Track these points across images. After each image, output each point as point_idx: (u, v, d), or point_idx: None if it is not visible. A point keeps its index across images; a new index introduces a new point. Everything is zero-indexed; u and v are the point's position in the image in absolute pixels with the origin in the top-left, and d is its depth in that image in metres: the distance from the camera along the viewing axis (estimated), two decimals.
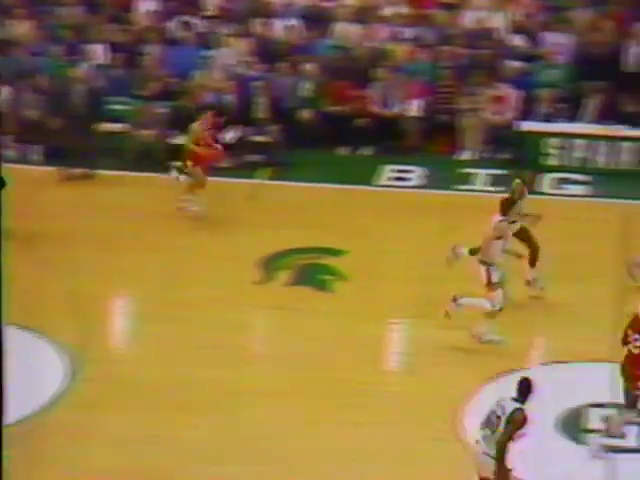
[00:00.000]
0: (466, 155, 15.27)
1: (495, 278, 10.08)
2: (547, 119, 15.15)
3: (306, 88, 15.62)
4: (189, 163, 13.13)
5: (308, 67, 15.78)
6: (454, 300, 10.35)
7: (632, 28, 15.55)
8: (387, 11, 16.56)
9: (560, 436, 9.14)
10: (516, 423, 7.47)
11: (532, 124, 15.02)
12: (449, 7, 16.60)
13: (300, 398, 9.69)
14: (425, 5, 16.70)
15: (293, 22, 16.50)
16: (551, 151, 14.81)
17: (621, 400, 9.35)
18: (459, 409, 9.45)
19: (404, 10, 16.55)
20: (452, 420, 9.30)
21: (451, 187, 14.36)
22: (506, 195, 10.77)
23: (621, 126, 14.60)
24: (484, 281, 10.15)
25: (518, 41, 15.99)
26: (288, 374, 10.09)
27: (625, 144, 14.54)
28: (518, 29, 16.11)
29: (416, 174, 14.76)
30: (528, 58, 15.77)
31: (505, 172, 14.59)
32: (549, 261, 11.84)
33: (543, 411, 9.32)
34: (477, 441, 7.74)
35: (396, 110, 15.48)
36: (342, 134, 15.30)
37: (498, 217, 10.24)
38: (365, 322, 10.95)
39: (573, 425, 9.24)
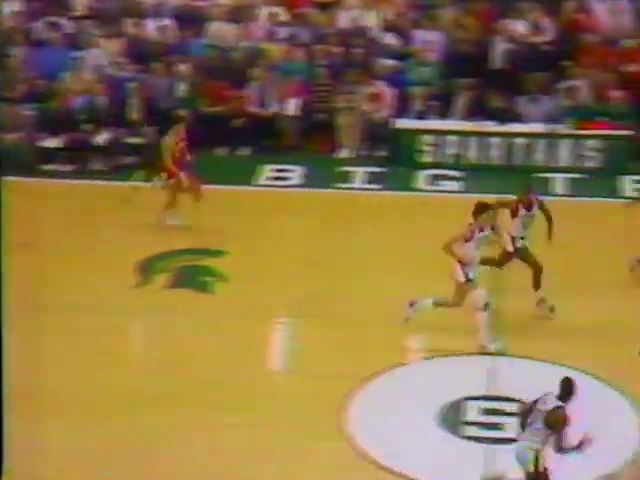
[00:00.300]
0: (344, 153, 15.39)
1: (471, 276, 10.19)
2: (420, 116, 15.42)
3: (181, 89, 15.48)
4: (164, 175, 12.90)
5: (183, 67, 15.64)
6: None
7: (497, 24, 15.94)
8: (262, 11, 16.56)
9: (440, 429, 9.28)
10: (559, 421, 7.60)
11: (406, 121, 15.25)
12: (323, 6, 16.71)
13: (185, 401, 9.59)
14: (299, 4, 16.77)
15: (166, 22, 16.33)
16: (425, 148, 15.07)
17: (498, 392, 9.64)
18: (344, 407, 9.51)
19: (279, 10, 16.58)
20: (337, 418, 9.35)
21: (330, 185, 14.46)
22: (481, 199, 10.60)
23: (490, 122, 14.96)
24: (461, 280, 10.19)
25: (390, 39, 16.21)
26: (171, 377, 9.97)
27: (494, 139, 14.91)
28: (390, 27, 16.34)
29: (295, 173, 14.79)
30: (400, 56, 16.00)
31: (382, 169, 14.81)
32: (427, 257, 12.07)
33: (423, 404, 9.52)
34: (518, 435, 7.82)
35: (273, 109, 15.48)
36: (219, 134, 15.22)
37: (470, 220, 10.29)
38: (248, 322, 10.92)
39: (453, 418, 9.38)
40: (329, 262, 12.16)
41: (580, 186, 14.30)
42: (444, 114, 15.40)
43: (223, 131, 15.23)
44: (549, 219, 11.01)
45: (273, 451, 8.95)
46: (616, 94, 14.93)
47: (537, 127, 14.89)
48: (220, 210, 13.27)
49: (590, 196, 13.86)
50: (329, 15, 16.57)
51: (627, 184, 14.24)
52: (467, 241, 10.16)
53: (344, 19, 16.45)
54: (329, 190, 14.34)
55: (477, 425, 9.29)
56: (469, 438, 9.15)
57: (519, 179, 14.28)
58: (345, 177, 14.73)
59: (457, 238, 10.22)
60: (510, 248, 10.83)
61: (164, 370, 10.15)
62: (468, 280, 10.16)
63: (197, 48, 16.04)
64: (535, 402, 7.76)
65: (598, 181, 14.25)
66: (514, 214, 10.94)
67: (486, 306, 10.19)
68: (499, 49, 15.68)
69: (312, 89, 15.67)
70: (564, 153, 14.76)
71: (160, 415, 9.35)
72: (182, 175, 12.90)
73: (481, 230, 10.23)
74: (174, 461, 8.83)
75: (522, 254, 10.96)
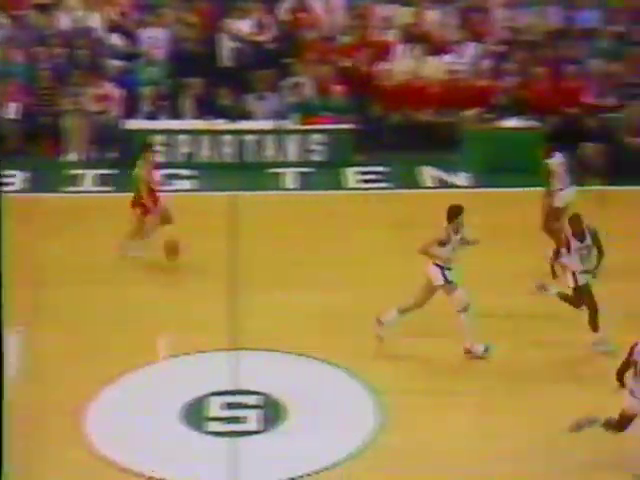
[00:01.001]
0: (72, 156, 15.02)
1: (450, 278, 10.06)
2: (151, 116, 15.31)
3: None
4: (137, 211, 11.86)
5: None
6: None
7: (221, 23, 16.07)
8: None
9: (183, 426, 9.23)
10: None
11: (137, 122, 15.09)
12: (42, 8, 16.21)
13: None
14: (17, 6, 16.17)
15: None
16: (157, 148, 14.94)
17: (241, 386, 9.72)
18: (84, 411, 9.27)
19: None
20: (78, 423, 9.11)
21: (57, 190, 14.05)
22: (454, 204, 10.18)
23: (220, 120, 15.09)
24: (440, 282, 10.06)
25: (116, 40, 15.97)
26: None
27: (225, 137, 15.02)
28: (115, 28, 16.10)
29: (18, 178, 14.26)
30: (128, 56, 15.82)
31: (114, 171, 14.54)
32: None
33: (167, 403, 9.45)
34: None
35: None
36: None
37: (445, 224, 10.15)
38: None
39: (196, 414, 9.36)
40: (59, 267, 11.79)
41: (308, 179, 14.68)
42: (174, 113, 15.38)
43: None
44: (600, 252, 10.20)
45: (12, 461, 8.55)
46: (337, 89, 15.48)
47: (266, 124, 15.16)
48: None
49: (318, 189, 14.28)
50: (49, 16, 16.10)
51: (351, 175, 14.80)
52: (444, 244, 10.11)
53: (65, 20, 16.05)
54: (56, 194, 13.92)
55: (220, 420, 9.32)
56: (212, 433, 9.15)
57: (251, 175, 14.65)
58: (73, 180, 14.35)
59: (432, 241, 10.11)
60: (572, 284, 10.18)
61: None
62: (447, 282, 10.08)
63: None
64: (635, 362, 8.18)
65: (324, 174, 14.69)
66: (568, 248, 10.19)
67: (467, 307, 10.09)
68: (225, 47, 15.84)
69: (35, 92, 15.20)
70: (292, 148, 15.12)
71: None
72: (157, 209, 11.94)
73: (456, 232, 10.14)
74: None
75: (580, 291, 10.18)
